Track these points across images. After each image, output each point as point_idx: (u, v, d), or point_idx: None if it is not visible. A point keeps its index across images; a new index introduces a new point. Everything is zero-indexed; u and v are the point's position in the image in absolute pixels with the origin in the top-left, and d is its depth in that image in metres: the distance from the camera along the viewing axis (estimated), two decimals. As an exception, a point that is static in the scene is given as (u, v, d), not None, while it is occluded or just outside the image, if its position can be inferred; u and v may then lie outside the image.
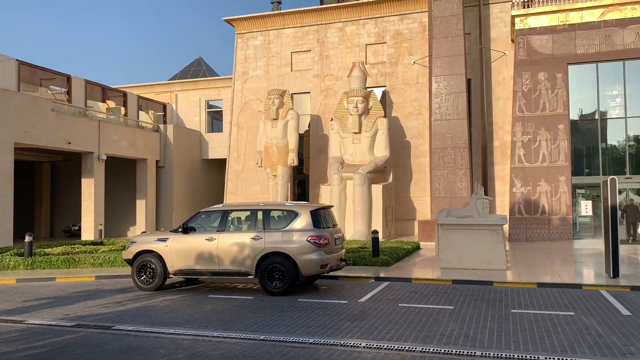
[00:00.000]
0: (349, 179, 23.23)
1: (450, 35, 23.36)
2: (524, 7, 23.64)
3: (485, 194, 23.97)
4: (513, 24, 23.80)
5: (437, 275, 13.11)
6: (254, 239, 11.32)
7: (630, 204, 21.40)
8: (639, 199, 23.49)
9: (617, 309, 9.28)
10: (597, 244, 19.76)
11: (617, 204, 12.24)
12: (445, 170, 23.05)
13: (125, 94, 31.48)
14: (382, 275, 13.24)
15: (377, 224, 22.85)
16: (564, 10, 22.67)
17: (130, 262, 12.44)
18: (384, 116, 25.00)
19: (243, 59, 30.35)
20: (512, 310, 9.32)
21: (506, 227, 22.84)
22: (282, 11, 29.51)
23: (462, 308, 9.59)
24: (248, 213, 12.00)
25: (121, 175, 31.81)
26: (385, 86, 27.61)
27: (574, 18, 22.56)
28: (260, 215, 11.64)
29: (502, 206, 24.71)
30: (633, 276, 12.57)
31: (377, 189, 23.17)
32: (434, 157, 23.28)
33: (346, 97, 24.61)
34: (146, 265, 12.12)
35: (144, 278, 12.15)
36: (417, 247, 19.36)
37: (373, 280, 12.90)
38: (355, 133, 24.41)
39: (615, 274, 12.08)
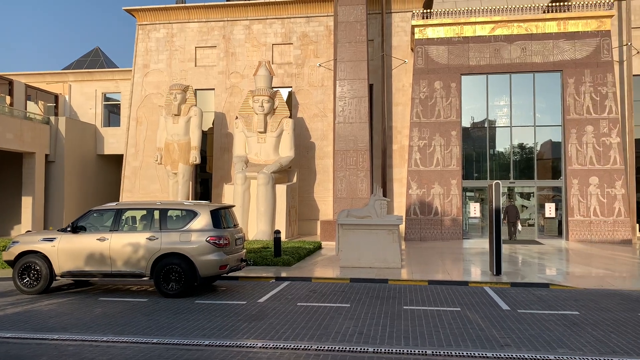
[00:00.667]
0: (253, 179, 23.10)
1: (354, 40, 23.99)
2: (423, 18, 24.84)
3: (384, 195, 24.89)
4: (413, 33, 24.92)
5: (336, 274, 13.40)
6: (149, 239, 10.91)
7: (510, 205, 23.20)
8: (521, 202, 25.57)
9: (498, 304, 10.02)
10: (484, 244, 21.24)
11: (501, 206, 13.21)
12: (347, 171, 23.63)
13: (11, 82, 29.00)
14: (283, 275, 13.31)
15: (281, 224, 22.93)
16: (459, 24, 24.12)
17: (11, 263, 11.50)
18: (290, 117, 25.15)
19: (144, 51, 29.14)
20: (405, 307, 9.76)
21: (402, 227, 23.88)
22: (186, 4, 28.70)
23: (358, 306, 9.88)
24: (144, 212, 11.54)
25: (6, 170, 29.28)
26: (291, 87, 27.77)
27: (468, 31, 24.07)
28: (157, 214, 11.24)
29: (400, 207, 25.78)
30: (513, 273, 13.65)
31: (281, 189, 23.24)
32: (337, 158, 23.78)
33: (252, 95, 24.45)
34: (30, 267, 11.27)
35: (27, 281, 11.29)
36: (319, 247, 19.68)
37: (274, 280, 12.93)
38: (260, 132, 24.32)
39: (498, 271, 13.04)
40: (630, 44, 24.40)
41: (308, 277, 13.01)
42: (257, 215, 22.54)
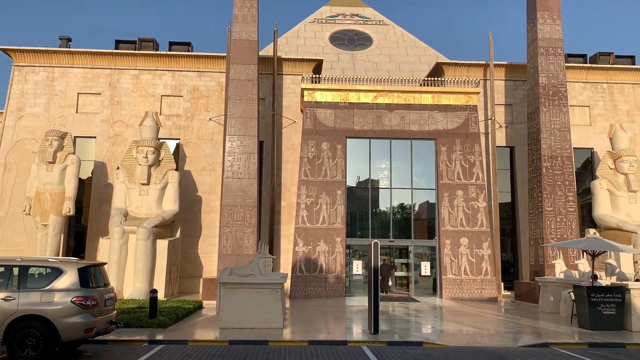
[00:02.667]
0: (132, 233, 21.94)
1: (245, 98, 24.35)
2: (312, 82, 25.95)
3: (271, 252, 24.79)
4: (302, 96, 25.86)
5: (215, 336, 12.91)
6: (4, 299, 9.83)
7: (383, 263, 24.16)
8: (401, 260, 26.73)
9: (374, 364, 10.20)
10: (365, 301, 21.69)
11: (379, 265, 13.70)
12: (234, 227, 23.30)
13: None
14: (157, 337, 12.56)
15: (160, 282, 21.83)
16: (345, 90, 25.49)
17: None
18: (176, 169, 24.55)
19: (19, 93, 27.22)
20: (282, 370, 9.59)
21: (288, 284, 23.79)
22: (71, 49, 27.50)
23: (235, 370, 9.54)
24: (1, 269, 10.43)
25: None
26: (179, 139, 27.27)
27: (353, 98, 25.48)
28: (15, 271, 10.21)
29: (286, 264, 25.76)
30: (390, 332, 14.04)
31: (162, 245, 22.28)
32: (224, 213, 23.43)
33: (136, 146, 23.62)
34: None
35: None
36: (200, 306, 18.93)
37: (146, 344, 12.14)
38: (143, 184, 23.40)
39: (376, 330, 13.35)
40: (494, 118, 27.21)
41: (184, 339, 12.39)
42: (135, 272, 21.30)
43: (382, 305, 20.47)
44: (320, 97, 25.39)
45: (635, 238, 22.21)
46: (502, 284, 26.14)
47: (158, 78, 27.79)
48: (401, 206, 25.81)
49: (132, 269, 21.53)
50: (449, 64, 28.60)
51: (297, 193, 24.77)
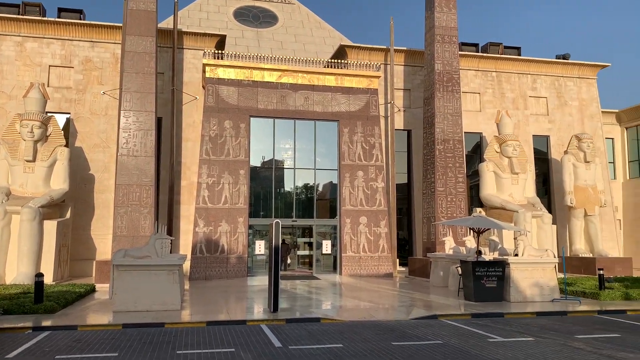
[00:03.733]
0: (15, 213, 20.33)
1: (142, 71, 23.19)
2: (214, 58, 25.27)
3: (170, 233, 24.09)
4: (204, 71, 25.12)
5: (107, 320, 12.37)
6: None
7: (283, 243, 24.43)
8: (304, 239, 27.13)
9: (272, 342, 10.31)
10: (267, 281, 21.80)
11: (280, 244, 13.79)
12: (129, 207, 22.31)
13: None
14: (43, 324, 11.79)
15: (48, 265, 20.47)
16: (249, 68, 25.11)
17: None
18: (66, 145, 22.97)
19: None
20: (178, 352, 9.41)
21: (187, 266, 23.30)
22: (-60, 8, 24.59)
23: (127, 354, 9.22)
24: None
25: None
26: (69, 113, 25.48)
27: (257, 76, 25.17)
28: None
29: (186, 245, 25.18)
30: (290, 309, 14.25)
31: (50, 226, 20.86)
32: (119, 193, 22.34)
33: (20, 119, 21.77)
34: None
35: None
36: (92, 290, 18.02)
37: (30, 331, 11.36)
38: (28, 161, 21.67)
39: (275, 308, 13.48)
40: (393, 102, 28.19)
41: (74, 325, 11.74)
42: (19, 256, 19.81)
43: (284, 283, 20.70)
44: (223, 73, 24.82)
45: (517, 217, 24.18)
46: (398, 260, 27.44)
47: (45, 47, 25.67)
48: (305, 186, 26.10)
49: (16, 252, 19.98)
50: (352, 47, 29.10)
51: (198, 172, 24.18)
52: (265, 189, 25.34)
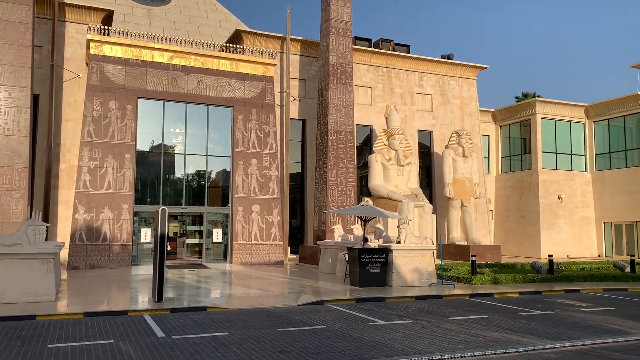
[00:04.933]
0: None
1: (17, 43, 21.19)
2: (100, 34, 23.73)
3: (46, 219, 22.37)
4: (89, 47, 23.51)
5: (-32, 315, 11.23)
6: None
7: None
8: (194, 227, 26.48)
9: (155, 332, 9.98)
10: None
11: (166, 232, 13.35)
12: (-2, 191, 20.38)
13: None
14: None
15: None
16: (138, 47, 23.88)
17: None
18: None
19: None
20: (50, 346, 8.80)
21: (65, 254, 21.84)
22: None
23: (-10, 351, 8.45)
24: None
25: None
26: None
27: (146, 56, 24.03)
28: None
29: (65, 233, 23.55)
30: (176, 299, 13.88)
31: None
32: (-14, 175, 20.31)
33: None
34: None
35: None
36: (-49, 282, 16.24)
37: None
38: None
39: (160, 298, 13.05)
40: (289, 91, 28.32)
41: None
42: None
43: (171, 273, 20.11)
44: (109, 51, 23.38)
45: (401, 206, 25.46)
46: (289, 248, 27.76)
47: None
48: (197, 173, 25.46)
49: None
50: (249, 32, 28.75)
51: (79, 155, 22.64)
52: (153, 175, 24.35)
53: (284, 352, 8.52)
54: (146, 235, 23.40)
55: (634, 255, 23.98)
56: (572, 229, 35.03)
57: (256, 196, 25.23)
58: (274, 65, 26.69)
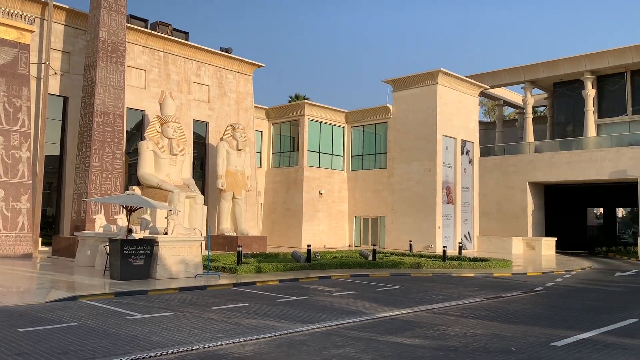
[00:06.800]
0: None
1: None
2: None
3: None
4: None
5: None
6: None
7: None
8: None
9: None
10: None
11: None
12: None
13: None
14: None
15: None
16: None
17: None
18: None
19: None
20: None
21: None
22: None
23: None
24: None
25: None
26: None
27: None
28: None
29: None
30: None
31: None
32: None
33: None
34: None
35: None
36: None
37: None
38: None
39: None
40: (49, 63, 25.28)
41: None
42: None
43: None
44: None
45: (171, 196, 24.89)
46: (41, 239, 24.87)
47: None
48: None
49: None
50: (0, -11, 24.74)
51: None
52: None
53: (22, 355, 7.61)
54: None
55: (375, 245, 27.60)
56: (329, 222, 38.73)
57: (1, 179, 21.94)
58: (32, 31, 23.54)
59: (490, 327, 10.48)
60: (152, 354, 7.82)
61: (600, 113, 41.69)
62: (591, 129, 40.18)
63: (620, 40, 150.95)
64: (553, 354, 8.34)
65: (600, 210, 64.23)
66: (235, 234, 29.98)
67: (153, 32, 30.31)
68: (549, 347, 8.80)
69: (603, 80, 41.76)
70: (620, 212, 76.54)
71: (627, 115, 40.53)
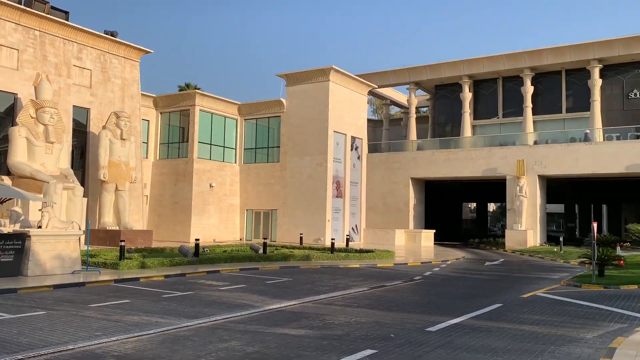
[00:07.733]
0: None
1: None
2: None
3: None
4: None
5: None
6: None
7: None
8: None
9: None
10: None
11: None
12: None
13: None
14: None
15: None
16: None
17: None
18: None
19: None
20: None
21: None
22: None
23: None
24: None
25: None
26: None
27: None
28: None
29: None
30: None
31: None
32: None
33: None
34: None
35: None
36: None
37: None
38: None
39: None
40: None
41: None
42: None
43: None
44: None
45: (47, 187, 23.08)
46: None
47: None
48: None
49: None
50: None
51: None
52: None
53: None
54: None
55: (267, 239, 27.71)
56: (220, 215, 38.15)
57: None
58: None
59: (372, 316, 10.99)
60: (19, 357, 7.26)
61: (476, 115, 45.14)
62: (467, 130, 43.38)
63: (519, 44, 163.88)
64: (427, 338, 8.96)
65: (474, 204, 69.57)
66: (118, 228, 28.51)
67: (28, 8, 27.77)
68: (424, 332, 9.44)
69: (479, 85, 45.26)
70: (492, 206, 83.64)
71: (498, 117, 44.30)
